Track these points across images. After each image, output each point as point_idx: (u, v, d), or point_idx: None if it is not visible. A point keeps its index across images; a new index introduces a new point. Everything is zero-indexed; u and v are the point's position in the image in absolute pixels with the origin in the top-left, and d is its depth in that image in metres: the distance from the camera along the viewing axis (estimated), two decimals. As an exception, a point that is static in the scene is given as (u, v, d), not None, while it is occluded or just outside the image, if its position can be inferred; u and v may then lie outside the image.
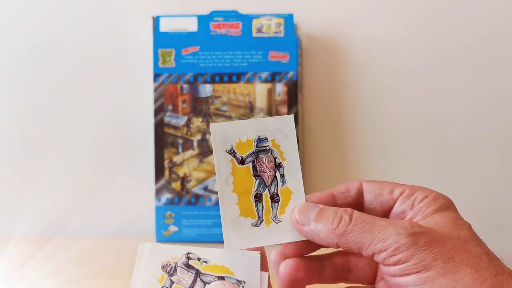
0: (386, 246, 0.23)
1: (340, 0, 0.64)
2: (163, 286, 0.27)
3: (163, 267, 0.28)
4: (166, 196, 0.59)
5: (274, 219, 0.26)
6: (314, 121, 0.64)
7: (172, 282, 0.27)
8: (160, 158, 0.59)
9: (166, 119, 0.60)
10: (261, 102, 0.59)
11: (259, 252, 0.27)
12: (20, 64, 0.65)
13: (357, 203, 0.27)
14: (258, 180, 0.26)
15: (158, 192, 0.59)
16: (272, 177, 0.26)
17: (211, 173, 0.60)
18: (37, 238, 0.61)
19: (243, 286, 0.26)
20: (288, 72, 0.59)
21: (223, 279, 0.27)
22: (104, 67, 0.65)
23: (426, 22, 0.64)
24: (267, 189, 0.26)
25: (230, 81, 0.59)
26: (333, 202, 0.27)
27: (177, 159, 0.60)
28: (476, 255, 0.23)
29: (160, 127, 0.59)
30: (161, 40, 0.59)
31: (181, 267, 0.28)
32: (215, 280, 0.27)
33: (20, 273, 0.48)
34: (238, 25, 0.59)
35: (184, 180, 0.60)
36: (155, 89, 0.60)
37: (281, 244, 0.27)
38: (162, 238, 0.60)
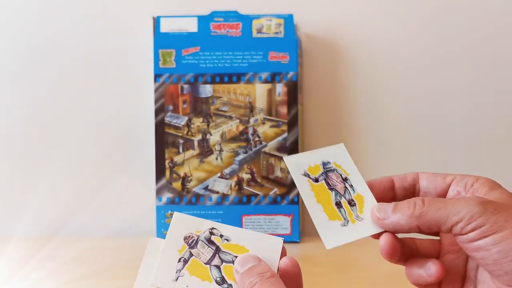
0: (462, 216, 0.26)
1: (340, 0, 0.64)
2: (182, 257, 0.28)
3: (185, 238, 0.28)
4: (166, 195, 0.60)
5: (357, 218, 0.30)
6: (314, 121, 0.65)
7: (191, 255, 0.28)
8: (161, 158, 0.60)
9: (167, 119, 0.60)
10: (261, 102, 0.60)
11: (283, 238, 0.29)
12: (20, 64, 0.65)
13: (412, 189, 0.31)
14: (333, 192, 0.31)
15: (159, 192, 0.60)
16: (344, 188, 0.31)
17: (211, 173, 0.60)
18: (37, 238, 0.61)
19: None
20: (288, 72, 0.59)
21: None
22: (105, 68, 0.65)
23: (425, 22, 0.64)
24: (343, 197, 0.31)
25: (230, 81, 0.59)
26: (391, 184, 0.31)
27: (177, 159, 0.60)
28: None
29: (160, 127, 0.60)
30: (162, 40, 0.59)
31: (203, 241, 0.28)
32: (233, 259, 0.28)
33: (20, 273, 0.48)
34: (238, 26, 0.59)
35: (184, 180, 0.60)
36: (156, 90, 0.60)
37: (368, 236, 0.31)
38: (163, 237, 0.60)
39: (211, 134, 0.60)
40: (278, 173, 0.59)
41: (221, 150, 0.60)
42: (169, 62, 0.60)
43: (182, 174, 0.60)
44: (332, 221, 0.30)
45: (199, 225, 0.29)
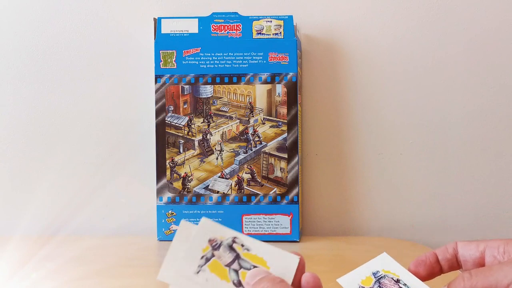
0: (510, 279, 0.28)
1: (339, 2, 0.65)
2: (204, 256, 0.30)
3: (209, 240, 0.30)
4: (167, 195, 0.60)
5: None
6: (313, 121, 0.65)
7: (212, 255, 0.30)
8: (162, 158, 0.60)
9: (168, 120, 0.60)
10: (261, 102, 0.60)
11: (299, 257, 0.30)
12: (23, 66, 0.65)
13: (455, 259, 0.33)
14: None
15: (160, 192, 0.60)
16: None
17: (212, 172, 0.60)
18: (37, 237, 0.61)
19: None
20: (288, 73, 0.59)
21: None
22: (106, 68, 0.65)
23: (425, 23, 0.64)
24: None
25: (230, 82, 0.60)
26: (436, 258, 0.33)
27: (178, 159, 0.60)
28: None
29: (161, 127, 0.60)
30: (163, 41, 0.60)
31: (225, 247, 0.30)
32: (251, 267, 0.30)
33: (20, 273, 0.48)
34: (239, 27, 0.60)
35: (185, 179, 0.60)
36: (157, 90, 0.60)
37: None
38: (164, 237, 0.60)
39: (211, 134, 0.60)
40: (278, 173, 0.60)
41: (221, 150, 0.60)
42: (170, 63, 0.60)
43: (182, 174, 0.60)
44: None
45: (224, 233, 0.31)
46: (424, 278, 0.32)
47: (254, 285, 0.28)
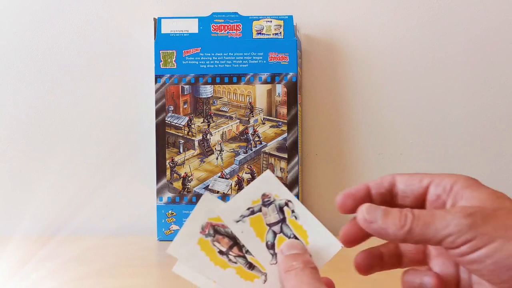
0: (450, 231, 0.25)
1: (339, 2, 0.65)
2: (251, 207, 0.30)
3: (263, 195, 0.30)
4: (167, 195, 0.60)
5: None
6: (313, 121, 0.65)
7: (260, 210, 0.30)
8: (162, 158, 0.60)
9: (168, 120, 0.60)
10: (261, 102, 0.60)
11: (342, 245, 0.29)
12: (23, 66, 0.65)
13: (390, 194, 0.30)
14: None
15: (160, 192, 0.60)
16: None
17: (212, 172, 0.60)
18: (37, 237, 0.61)
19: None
20: (288, 73, 0.59)
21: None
22: (106, 68, 0.65)
23: (425, 23, 0.64)
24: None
25: (230, 82, 0.60)
26: (367, 191, 0.30)
27: (178, 159, 0.60)
28: None
29: (161, 127, 0.60)
30: (163, 41, 0.60)
31: (275, 206, 0.30)
32: (291, 236, 0.29)
33: (20, 273, 0.48)
34: (239, 27, 0.60)
35: (185, 179, 0.60)
36: (157, 90, 0.60)
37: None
38: (164, 236, 0.60)
39: (211, 134, 0.60)
40: (278, 173, 0.60)
41: (221, 150, 0.60)
42: (170, 63, 0.60)
43: (182, 174, 0.60)
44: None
45: (280, 192, 0.30)
46: (350, 211, 0.29)
47: (287, 257, 0.28)
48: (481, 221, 0.25)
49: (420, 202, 0.29)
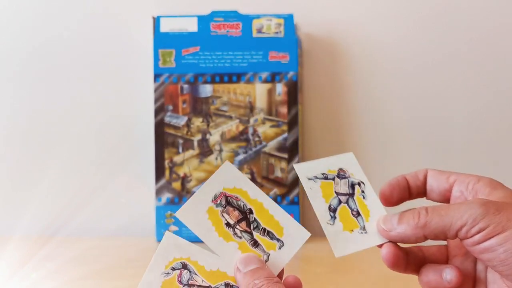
0: (465, 220, 0.27)
1: (340, 1, 0.64)
2: (326, 174, 0.31)
3: (340, 169, 0.32)
4: (166, 196, 0.60)
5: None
6: (314, 121, 0.65)
7: (333, 179, 0.31)
8: (161, 158, 0.59)
9: (167, 119, 0.60)
10: (261, 102, 0.60)
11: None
12: (22, 65, 0.65)
13: (424, 186, 0.32)
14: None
15: (159, 192, 0.60)
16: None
17: (211, 173, 0.60)
18: (37, 238, 0.61)
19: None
20: (288, 72, 0.59)
21: (359, 216, 0.30)
22: (105, 67, 0.65)
23: (426, 22, 0.64)
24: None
25: (230, 81, 0.59)
26: (406, 184, 0.32)
27: (177, 159, 0.60)
28: None
29: (160, 127, 0.60)
30: (162, 40, 0.59)
31: (348, 181, 0.31)
32: (354, 209, 0.30)
33: (20, 273, 0.48)
34: (238, 26, 0.59)
35: (184, 180, 0.60)
36: (156, 89, 0.60)
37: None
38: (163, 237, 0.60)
39: (211, 134, 0.60)
40: (278, 173, 0.59)
41: (221, 150, 0.60)
42: (169, 62, 0.59)
43: (181, 174, 0.60)
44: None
45: (357, 172, 0.32)
46: (395, 203, 0.31)
47: (246, 275, 0.27)
48: (495, 210, 0.26)
49: (445, 198, 0.31)
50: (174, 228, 0.60)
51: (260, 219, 0.30)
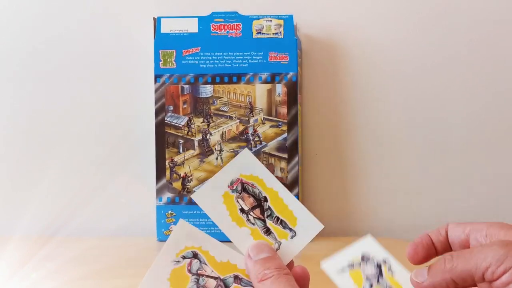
0: (489, 262, 0.27)
1: (339, 2, 0.64)
2: (352, 263, 0.31)
3: (362, 257, 0.32)
4: (167, 195, 0.60)
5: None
6: (313, 121, 0.65)
7: (359, 265, 0.31)
8: (161, 158, 0.60)
9: (167, 119, 0.60)
10: (261, 102, 0.60)
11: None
12: (22, 65, 0.65)
13: (446, 241, 0.33)
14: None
15: (159, 192, 0.60)
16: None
17: (212, 173, 0.60)
18: (37, 238, 0.61)
19: None
20: (288, 72, 0.59)
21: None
22: (105, 68, 0.65)
23: (425, 23, 0.64)
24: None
25: (230, 81, 0.60)
26: (430, 241, 0.33)
27: (178, 159, 0.60)
28: None
29: (161, 127, 0.60)
30: (162, 41, 0.60)
31: (374, 262, 0.31)
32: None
33: (20, 273, 0.48)
34: (238, 26, 0.60)
35: (185, 179, 0.60)
36: (156, 90, 0.60)
37: None
38: (163, 237, 0.60)
39: (211, 134, 0.60)
40: (278, 173, 0.60)
41: (221, 150, 0.60)
42: (170, 63, 0.60)
43: (182, 174, 0.60)
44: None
45: (378, 253, 0.32)
46: (421, 261, 0.32)
47: (257, 263, 0.27)
48: None
49: (465, 248, 0.32)
50: (175, 228, 0.60)
51: (274, 208, 0.30)
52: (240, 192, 0.30)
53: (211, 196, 0.29)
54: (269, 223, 0.30)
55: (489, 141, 0.64)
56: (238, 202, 0.29)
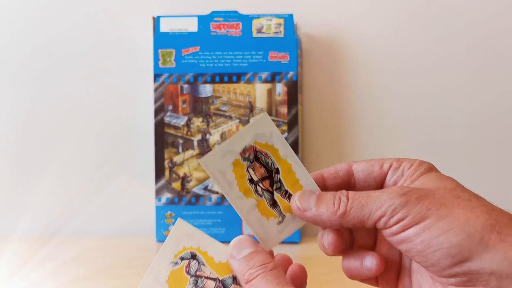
0: (384, 211, 0.25)
1: (340, 1, 0.64)
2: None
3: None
4: (166, 196, 0.60)
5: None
6: (314, 121, 0.65)
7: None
8: (161, 158, 0.59)
9: (166, 119, 0.60)
10: (261, 102, 0.60)
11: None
12: (21, 65, 0.65)
13: (346, 184, 0.29)
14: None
15: (158, 192, 0.60)
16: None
17: (211, 173, 0.60)
18: (37, 238, 0.61)
19: None
20: (288, 72, 0.59)
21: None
22: (105, 67, 0.65)
23: (425, 22, 0.64)
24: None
25: (230, 81, 0.59)
26: (323, 183, 0.29)
27: (177, 159, 0.60)
28: (465, 198, 0.25)
29: (160, 127, 0.60)
30: (162, 40, 0.59)
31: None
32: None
33: (20, 273, 0.48)
34: (238, 26, 0.59)
35: (184, 180, 0.60)
36: (156, 89, 0.60)
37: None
38: (163, 237, 0.60)
39: (210, 134, 0.60)
40: (278, 173, 0.59)
41: (221, 150, 0.60)
42: (169, 62, 0.59)
43: (181, 174, 0.60)
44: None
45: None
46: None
47: (241, 262, 0.26)
48: (416, 200, 0.24)
49: (380, 188, 0.29)
50: (174, 228, 0.60)
51: (285, 181, 0.28)
52: (252, 161, 0.27)
53: (221, 163, 0.27)
54: (277, 195, 0.28)
55: (490, 139, 0.64)
56: (248, 171, 0.27)
